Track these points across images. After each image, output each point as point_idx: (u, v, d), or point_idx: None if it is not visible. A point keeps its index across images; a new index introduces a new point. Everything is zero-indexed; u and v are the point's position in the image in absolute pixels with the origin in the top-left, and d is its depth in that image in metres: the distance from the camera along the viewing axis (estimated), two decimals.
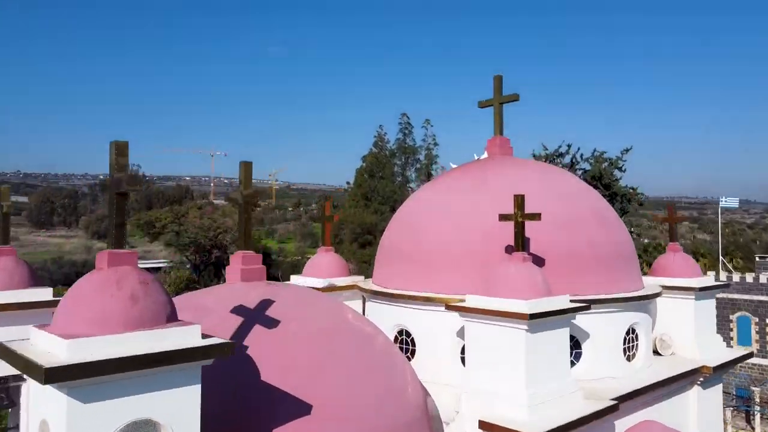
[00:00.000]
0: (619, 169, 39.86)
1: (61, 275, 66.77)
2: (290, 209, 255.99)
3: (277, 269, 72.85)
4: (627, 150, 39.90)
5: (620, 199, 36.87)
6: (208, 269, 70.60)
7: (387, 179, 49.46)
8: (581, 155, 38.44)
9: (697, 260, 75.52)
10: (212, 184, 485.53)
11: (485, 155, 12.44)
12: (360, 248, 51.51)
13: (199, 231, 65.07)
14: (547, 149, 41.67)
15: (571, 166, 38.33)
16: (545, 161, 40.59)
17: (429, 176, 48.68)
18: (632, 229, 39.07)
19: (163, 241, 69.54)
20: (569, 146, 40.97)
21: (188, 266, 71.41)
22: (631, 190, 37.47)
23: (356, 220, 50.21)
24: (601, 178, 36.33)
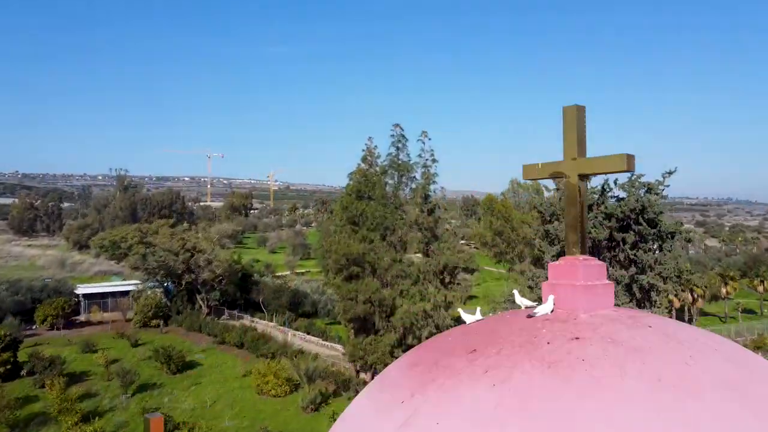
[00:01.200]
0: (660, 195, 32.41)
1: (13, 304, 59.28)
2: (286, 214, 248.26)
3: (258, 294, 65.30)
4: (670, 173, 32.44)
5: (664, 237, 29.39)
6: (180, 294, 63.22)
7: (377, 201, 42.03)
8: (615, 181, 31.00)
9: (726, 284, 67.48)
10: (209, 185, 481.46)
11: (549, 305, 4.96)
12: (345, 281, 44.10)
13: (167, 254, 57.63)
14: None
15: (602, 194, 30.92)
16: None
17: (426, 198, 41.26)
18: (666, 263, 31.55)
19: (129, 264, 62.20)
20: None
21: (160, 290, 63.97)
22: (680, 226, 30.00)
23: (341, 249, 42.80)
24: (643, 212, 28.76)
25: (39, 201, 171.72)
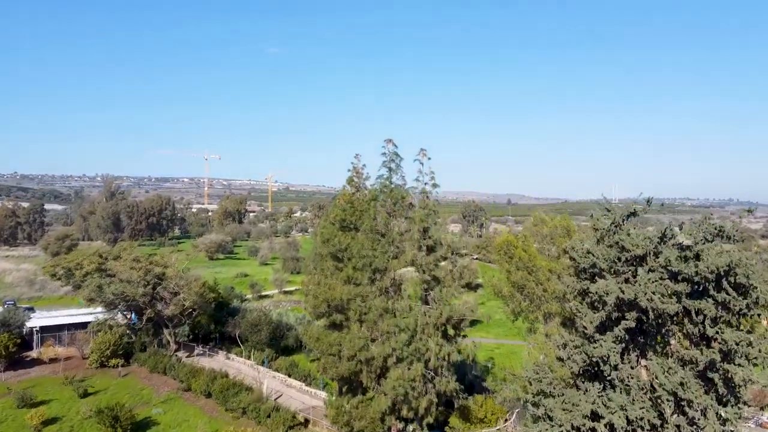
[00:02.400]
0: (733, 239, 24.44)
1: None
2: (281, 220, 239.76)
3: (235, 327, 57.01)
4: (749, 211, 24.52)
5: (752, 306, 21.33)
6: (146, 328, 55.23)
7: (365, 234, 34.02)
8: (681, 226, 23.01)
9: (759, 315, 58.90)
10: (206, 187, 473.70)
11: None
12: (327, 330, 36.19)
13: (126, 286, 49.62)
14: (610, 204, 26.21)
15: (661, 241, 22.98)
16: (613, 228, 25.02)
17: (425, 233, 33.21)
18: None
19: (83, 296, 54.12)
20: (649, 201, 25.48)
21: (125, 320, 56.01)
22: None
23: (321, 293, 34.87)
24: (728, 275, 20.57)
25: (21, 208, 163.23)
